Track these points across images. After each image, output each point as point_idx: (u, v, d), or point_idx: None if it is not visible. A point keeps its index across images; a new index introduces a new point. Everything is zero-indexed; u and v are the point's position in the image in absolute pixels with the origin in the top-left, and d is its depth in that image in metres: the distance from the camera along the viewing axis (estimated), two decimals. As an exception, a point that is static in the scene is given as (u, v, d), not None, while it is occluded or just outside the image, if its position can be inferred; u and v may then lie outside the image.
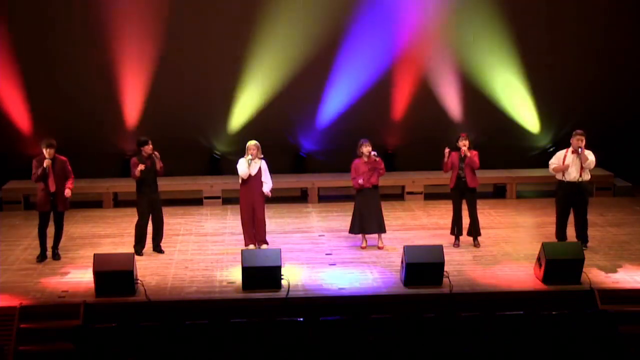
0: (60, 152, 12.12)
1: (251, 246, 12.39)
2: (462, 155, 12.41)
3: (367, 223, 12.44)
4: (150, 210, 12.26)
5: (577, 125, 12.68)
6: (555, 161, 12.39)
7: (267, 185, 12.43)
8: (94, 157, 16.28)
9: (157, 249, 12.40)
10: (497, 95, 16.69)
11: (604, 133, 16.39)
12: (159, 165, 12.13)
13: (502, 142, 16.60)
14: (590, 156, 12.14)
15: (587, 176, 12.26)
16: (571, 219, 12.41)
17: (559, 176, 12.35)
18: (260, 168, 12.36)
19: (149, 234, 12.41)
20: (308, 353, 10.02)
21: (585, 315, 10.40)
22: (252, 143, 12.36)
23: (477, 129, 16.11)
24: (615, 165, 16.37)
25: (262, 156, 12.42)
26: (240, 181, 12.44)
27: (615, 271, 11.44)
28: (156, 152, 12.13)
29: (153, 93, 16.23)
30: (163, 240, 12.52)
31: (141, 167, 12.01)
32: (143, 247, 12.30)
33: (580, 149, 12.10)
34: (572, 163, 12.19)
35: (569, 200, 12.30)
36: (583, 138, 12.17)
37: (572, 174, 12.19)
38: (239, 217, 12.50)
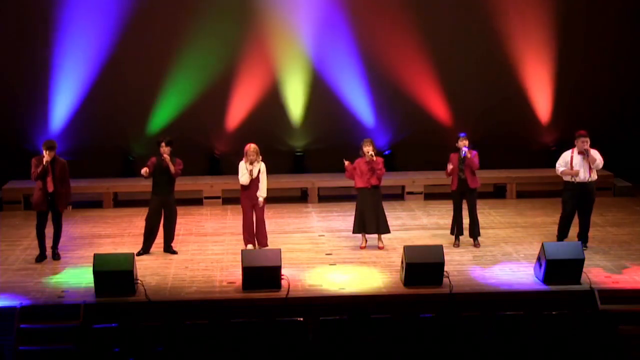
0: (60, 152, 12.13)
1: (250, 246, 12.41)
2: (462, 156, 12.40)
3: (368, 223, 12.44)
4: (160, 210, 12.29)
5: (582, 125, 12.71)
6: (562, 163, 12.34)
7: (261, 195, 12.25)
8: (94, 157, 16.27)
9: (168, 249, 12.42)
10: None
11: (604, 133, 16.39)
12: (172, 168, 12.11)
13: (501, 141, 16.63)
14: (597, 156, 12.15)
15: (595, 176, 12.27)
16: (575, 219, 12.43)
17: (567, 177, 12.33)
18: (259, 171, 12.33)
19: (160, 234, 12.45)
20: (308, 353, 10.03)
21: (585, 315, 10.40)
22: (251, 148, 12.30)
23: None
24: (615, 165, 16.35)
25: (260, 158, 12.41)
26: (240, 183, 12.44)
27: (615, 271, 11.44)
28: (165, 156, 12.08)
29: (152, 92, 16.25)
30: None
31: (144, 171, 12.13)
32: (149, 247, 12.32)
33: (586, 151, 12.10)
34: (579, 164, 12.19)
35: (577, 201, 12.29)
36: (587, 140, 12.16)
37: (582, 175, 12.18)
38: (241, 217, 12.49)
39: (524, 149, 16.91)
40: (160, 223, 12.41)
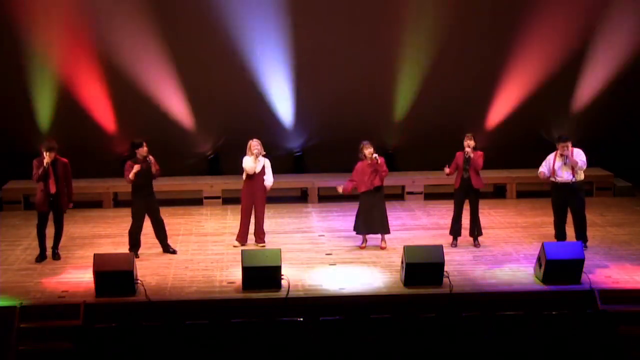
0: (60, 151, 12.11)
1: (236, 243, 12.50)
2: (466, 157, 12.39)
3: (371, 223, 12.46)
4: (145, 213, 12.16)
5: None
6: (545, 165, 12.33)
7: (268, 181, 12.56)
8: (94, 157, 16.27)
9: (167, 249, 12.38)
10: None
11: (604, 133, 16.41)
12: (154, 168, 12.00)
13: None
14: (579, 157, 12.10)
15: (580, 176, 12.24)
16: (570, 219, 12.42)
17: (552, 177, 12.33)
18: (264, 165, 12.50)
19: (153, 236, 12.41)
20: (308, 353, 10.03)
21: (585, 315, 10.41)
22: (255, 141, 12.47)
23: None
24: (615, 165, 16.35)
25: (264, 153, 12.51)
26: (244, 177, 12.51)
27: (615, 271, 11.44)
28: (151, 157, 11.99)
29: (151, 92, 16.27)
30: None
31: (137, 168, 11.86)
32: (138, 249, 12.24)
33: (566, 158, 12.07)
34: (562, 167, 12.17)
35: (564, 200, 12.28)
36: (568, 145, 12.11)
37: (564, 176, 12.17)
38: (239, 214, 12.56)
39: (523, 149, 16.92)
40: (143, 227, 12.24)
